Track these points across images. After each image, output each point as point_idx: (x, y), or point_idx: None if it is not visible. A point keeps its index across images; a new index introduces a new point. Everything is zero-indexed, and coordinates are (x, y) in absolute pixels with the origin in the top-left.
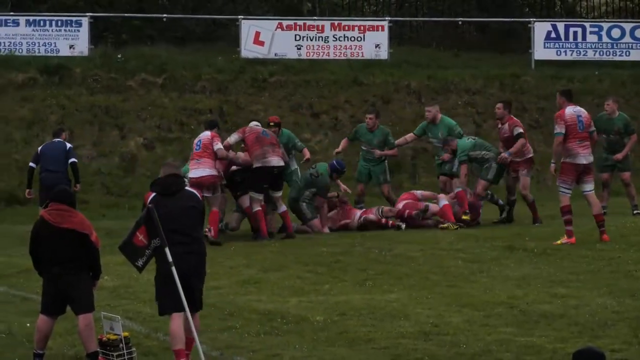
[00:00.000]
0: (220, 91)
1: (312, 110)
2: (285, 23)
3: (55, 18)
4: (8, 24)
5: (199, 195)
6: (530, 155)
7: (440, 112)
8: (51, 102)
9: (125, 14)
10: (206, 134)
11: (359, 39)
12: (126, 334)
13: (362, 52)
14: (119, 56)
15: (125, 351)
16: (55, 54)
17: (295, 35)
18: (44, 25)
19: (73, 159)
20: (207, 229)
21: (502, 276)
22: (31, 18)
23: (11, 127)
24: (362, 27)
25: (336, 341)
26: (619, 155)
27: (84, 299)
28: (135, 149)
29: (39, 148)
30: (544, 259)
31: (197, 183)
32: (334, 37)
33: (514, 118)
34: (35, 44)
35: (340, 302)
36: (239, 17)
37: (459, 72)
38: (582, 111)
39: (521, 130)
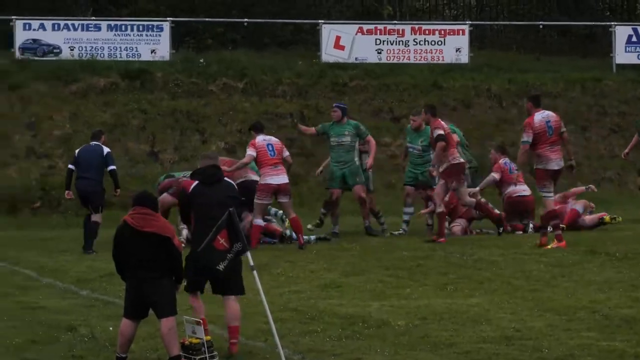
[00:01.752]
0: (301, 95)
1: (392, 114)
2: (365, 27)
3: (137, 23)
4: (90, 29)
5: (235, 186)
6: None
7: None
8: (132, 107)
9: (207, 19)
10: (274, 140)
11: (440, 43)
12: (208, 337)
13: (442, 56)
14: (201, 60)
15: (207, 355)
16: (136, 59)
17: (376, 39)
18: (126, 30)
19: (112, 167)
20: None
21: (584, 280)
22: (112, 23)
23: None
24: (442, 31)
25: (417, 345)
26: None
27: (167, 302)
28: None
29: (77, 151)
30: (625, 263)
31: (278, 190)
32: (414, 41)
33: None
34: (116, 49)
35: (421, 306)
36: (320, 21)
37: (539, 76)
38: (551, 115)
39: (441, 132)
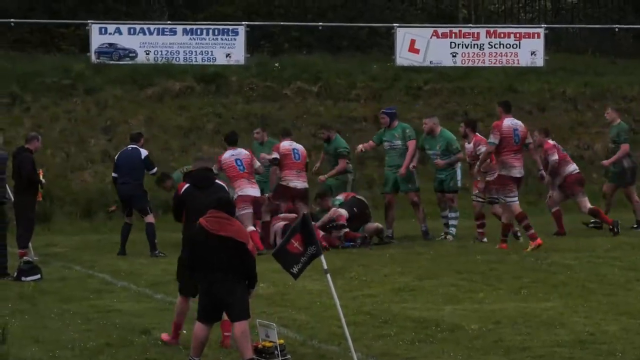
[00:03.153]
0: (375, 99)
1: (467, 117)
2: (440, 31)
3: (212, 27)
4: (165, 33)
5: (226, 188)
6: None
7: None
8: (208, 111)
9: (282, 23)
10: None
11: (515, 46)
12: (281, 341)
13: (517, 60)
14: (276, 64)
15: (280, 358)
16: (212, 63)
17: (451, 42)
18: (201, 34)
19: (153, 171)
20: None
21: None
22: (188, 27)
23: (168, 135)
24: (517, 35)
25: (491, 349)
26: (605, 162)
27: (240, 306)
28: None
29: (116, 157)
30: None
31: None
32: (489, 44)
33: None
34: (192, 53)
35: (495, 310)
36: (394, 25)
37: (615, 79)
38: (520, 124)
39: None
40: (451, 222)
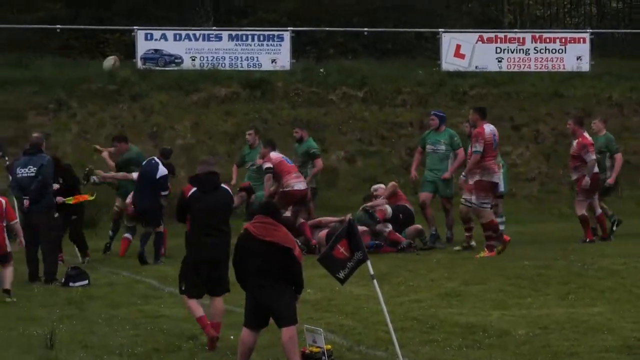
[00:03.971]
0: (421, 104)
1: (513, 122)
2: (486, 36)
3: (258, 33)
4: (211, 39)
5: (230, 192)
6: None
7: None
8: (253, 116)
9: (327, 28)
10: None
11: (560, 51)
12: (329, 346)
13: (563, 65)
14: (321, 70)
15: None
16: (257, 68)
17: (496, 47)
18: (246, 40)
19: (164, 193)
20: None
21: None
22: (234, 33)
23: (214, 141)
24: (563, 39)
25: (538, 355)
26: (611, 180)
27: (287, 312)
28: (336, 162)
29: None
30: None
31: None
32: (535, 49)
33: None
34: (237, 59)
35: (542, 315)
36: (440, 30)
37: None
38: (495, 130)
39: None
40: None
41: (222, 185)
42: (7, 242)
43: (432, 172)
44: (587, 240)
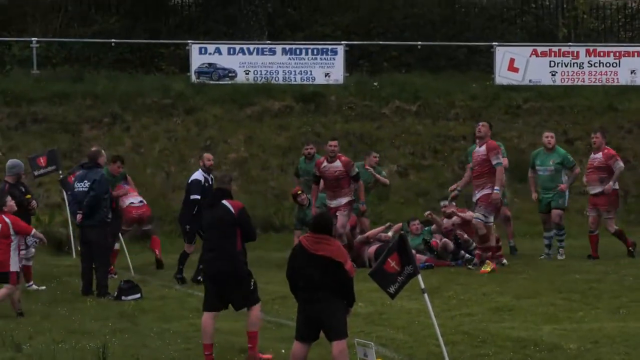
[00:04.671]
0: (474, 118)
1: (567, 136)
2: (540, 49)
3: (311, 47)
4: (265, 53)
5: (232, 208)
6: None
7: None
8: (307, 130)
9: (381, 42)
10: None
11: (615, 64)
12: (380, 359)
13: (617, 78)
14: (375, 84)
15: None
16: (310, 82)
17: (550, 61)
18: (300, 53)
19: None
20: None
21: None
22: (287, 47)
23: (268, 154)
24: (617, 53)
25: None
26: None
27: (337, 325)
28: (389, 176)
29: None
30: None
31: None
32: (589, 63)
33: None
34: (291, 72)
35: (593, 329)
36: (494, 43)
37: None
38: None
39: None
40: (559, 240)
41: (225, 202)
42: (11, 260)
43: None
44: (630, 249)
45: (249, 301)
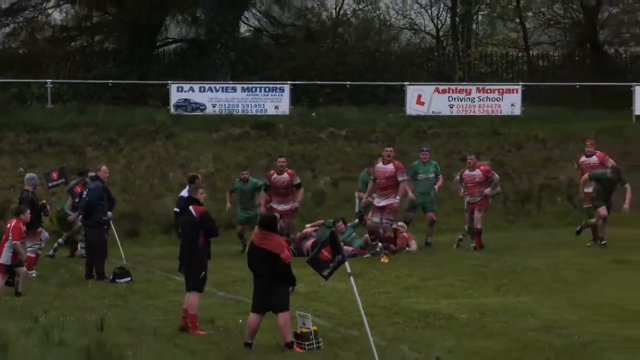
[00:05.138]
0: (389, 140)
1: (461, 155)
2: (441, 87)
3: (264, 86)
4: (228, 90)
5: (194, 213)
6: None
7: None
8: (261, 151)
9: (318, 82)
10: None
11: (498, 99)
12: (315, 328)
13: (500, 110)
14: (313, 114)
15: (314, 341)
16: (263, 113)
17: (449, 97)
18: (255, 91)
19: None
20: None
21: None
22: (246, 86)
23: (230, 170)
24: (500, 90)
25: (477, 334)
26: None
27: (281, 301)
28: (323, 186)
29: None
30: None
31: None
32: (478, 97)
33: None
34: (248, 106)
35: (480, 303)
36: (405, 83)
37: (578, 125)
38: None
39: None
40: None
41: (190, 207)
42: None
43: (423, 195)
44: (473, 247)
45: (194, 287)
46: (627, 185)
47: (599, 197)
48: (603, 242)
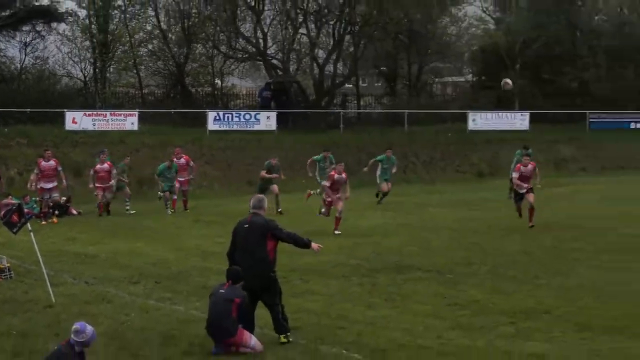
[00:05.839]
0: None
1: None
2: (87, 112)
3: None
4: None
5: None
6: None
7: None
8: None
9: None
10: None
11: (123, 120)
12: (9, 264)
13: (125, 126)
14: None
15: (8, 273)
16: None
17: (92, 118)
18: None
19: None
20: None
21: None
22: None
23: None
24: (124, 114)
25: (113, 267)
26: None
27: None
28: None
29: None
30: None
31: None
32: (112, 119)
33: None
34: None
35: (114, 249)
36: (65, 110)
37: None
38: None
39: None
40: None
41: None
42: None
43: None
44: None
45: None
46: None
47: None
48: None
